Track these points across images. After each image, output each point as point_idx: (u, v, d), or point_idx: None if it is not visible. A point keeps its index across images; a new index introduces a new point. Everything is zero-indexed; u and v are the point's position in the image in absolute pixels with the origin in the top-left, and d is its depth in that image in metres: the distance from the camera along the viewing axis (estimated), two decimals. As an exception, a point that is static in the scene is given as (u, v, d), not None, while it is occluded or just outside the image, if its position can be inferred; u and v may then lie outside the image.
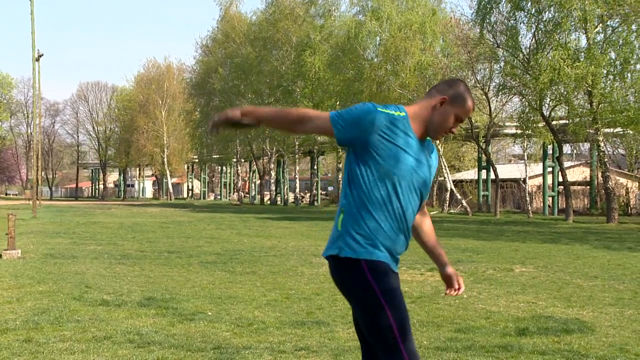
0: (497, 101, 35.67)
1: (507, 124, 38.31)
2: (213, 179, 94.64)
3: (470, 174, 46.23)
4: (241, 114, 2.84)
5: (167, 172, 73.44)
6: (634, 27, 26.13)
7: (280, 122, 2.91)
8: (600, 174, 30.69)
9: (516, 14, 29.46)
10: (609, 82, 27.28)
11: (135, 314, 6.69)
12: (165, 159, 72.40)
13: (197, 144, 67.18)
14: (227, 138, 61.37)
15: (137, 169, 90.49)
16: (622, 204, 34.35)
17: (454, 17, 39.38)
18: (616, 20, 26.91)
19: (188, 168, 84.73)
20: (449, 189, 37.87)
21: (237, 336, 5.78)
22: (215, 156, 69.20)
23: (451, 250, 13.80)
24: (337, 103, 44.64)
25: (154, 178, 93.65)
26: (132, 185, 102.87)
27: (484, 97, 34.59)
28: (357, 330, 2.98)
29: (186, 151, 73.39)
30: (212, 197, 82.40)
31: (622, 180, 38.49)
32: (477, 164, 42.99)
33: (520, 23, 29.58)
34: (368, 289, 2.70)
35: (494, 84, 34.34)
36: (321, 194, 59.95)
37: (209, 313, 6.78)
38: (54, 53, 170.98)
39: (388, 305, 2.68)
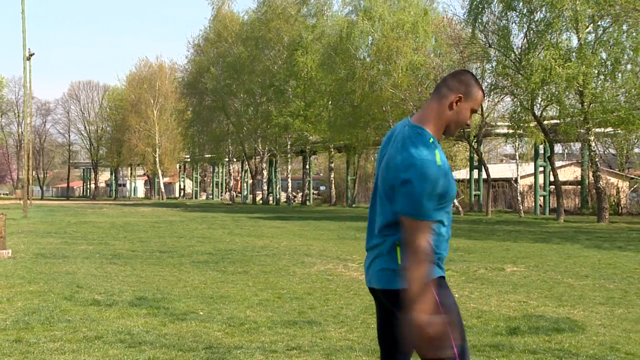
0: (488, 101, 35.74)
1: (498, 123, 38.38)
2: (205, 179, 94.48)
3: (462, 174, 46.28)
4: (418, 293, 2.64)
5: (159, 171, 73.22)
6: (624, 27, 26.20)
7: (427, 262, 2.69)
8: (591, 174, 30.78)
9: (508, 14, 29.51)
10: (600, 82, 27.35)
11: (127, 313, 6.67)
12: (157, 159, 72.18)
13: (189, 143, 67.10)
14: (219, 137, 61.33)
15: (129, 168, 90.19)
16: (613, 203, 34.46)
17: (446, 16, 39.52)
18: (607, 21, 26.98)
19: (180, 167, 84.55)
20: (440, 188, 37.83)
21: (229, 336, 5.77)
22: (207, 156, 69.07)
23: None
24: (329, 103, 44.68)
25: (145, 177, 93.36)
26: (124, 185, 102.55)
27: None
28: (382, 340, 2.96)
29: (178, 150, 73.23)
30: (204, 197, 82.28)
31: (613, 179, 38.64)
32: (468, 163, 43.08)
33: (512, 23, 29.64)
34: (434, 306, 2.68)
35: (485, 83, 34.33)
36: (313, 193, 59.94)
37: (201, 313, 6.77)
38: (45, 52, 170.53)
39: (450, 318, 2.69)
